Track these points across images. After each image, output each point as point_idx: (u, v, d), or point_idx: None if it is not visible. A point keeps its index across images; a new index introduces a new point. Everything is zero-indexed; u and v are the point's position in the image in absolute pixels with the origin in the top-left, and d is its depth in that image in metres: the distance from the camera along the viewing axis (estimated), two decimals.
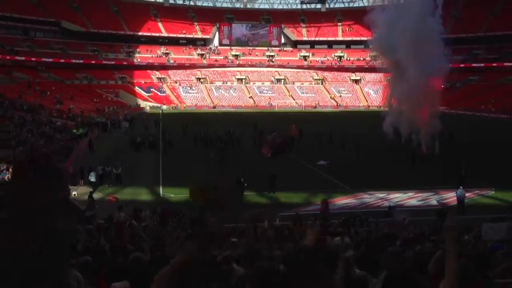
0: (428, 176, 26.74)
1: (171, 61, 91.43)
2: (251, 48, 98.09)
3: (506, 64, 78.08)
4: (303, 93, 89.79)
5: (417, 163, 29.47)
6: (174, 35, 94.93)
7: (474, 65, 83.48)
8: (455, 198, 20.81)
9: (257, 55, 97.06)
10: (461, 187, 20.77)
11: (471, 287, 4.00)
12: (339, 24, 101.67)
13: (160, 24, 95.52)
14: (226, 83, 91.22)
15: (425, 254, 6.38)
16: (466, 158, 27.53)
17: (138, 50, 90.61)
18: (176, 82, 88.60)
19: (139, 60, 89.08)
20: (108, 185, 25.25)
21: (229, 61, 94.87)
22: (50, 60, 77.29)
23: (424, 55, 34.87)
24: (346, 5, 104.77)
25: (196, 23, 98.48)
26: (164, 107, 77.99)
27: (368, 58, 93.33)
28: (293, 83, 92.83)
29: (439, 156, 32.20)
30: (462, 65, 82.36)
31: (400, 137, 37.18)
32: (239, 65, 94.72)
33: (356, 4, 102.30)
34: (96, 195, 21.40)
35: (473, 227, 14.32)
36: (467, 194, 21.05)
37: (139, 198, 22.50)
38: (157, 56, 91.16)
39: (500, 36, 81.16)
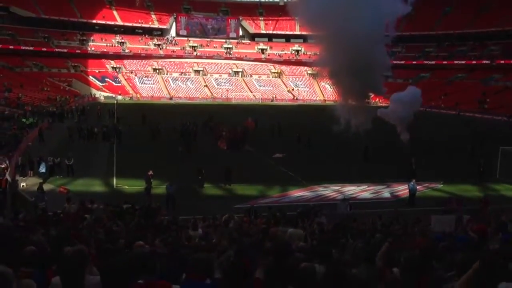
0: (380, 169, 27.18)
1: (127, 51, 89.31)
2: (208, 39, 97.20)
3: (456, 62, 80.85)
4: (260, 86, 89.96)
5: (370, 156, 30.08)
6: (130, 24, 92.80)
7: (425, 62, 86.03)
8: (407, 190, 21.43)
9: (215, 47, 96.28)
10: (414, 180, 21.41)
11: (420, 280, 4.10)
12: (296, 18, 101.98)
13: (115, 13, 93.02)
14: (184, 74, 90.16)
15: (375, 246, 6.52)
16: (416, 153, 28.30)
17: (92, 38, 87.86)
18: (131, 72, 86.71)
19: (93, 48, 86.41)
20: (59, 176, 24.48)
21: (187, 52, 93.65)
22: None
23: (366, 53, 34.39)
24: None
25: (152, 13, 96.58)
26: (119, 97, 76.08)
27: None
28: (251, 76, 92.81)
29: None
30: (414, 62, 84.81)
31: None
32: (196, 57, 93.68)
33: None
34: (47, 187, 20.66)
35: (421, 219, 14.81)
36: (417, 187, 21.72)
37: (91, 190, 21.89)
38: (112, 45, 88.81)
39: (451, 35, 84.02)
